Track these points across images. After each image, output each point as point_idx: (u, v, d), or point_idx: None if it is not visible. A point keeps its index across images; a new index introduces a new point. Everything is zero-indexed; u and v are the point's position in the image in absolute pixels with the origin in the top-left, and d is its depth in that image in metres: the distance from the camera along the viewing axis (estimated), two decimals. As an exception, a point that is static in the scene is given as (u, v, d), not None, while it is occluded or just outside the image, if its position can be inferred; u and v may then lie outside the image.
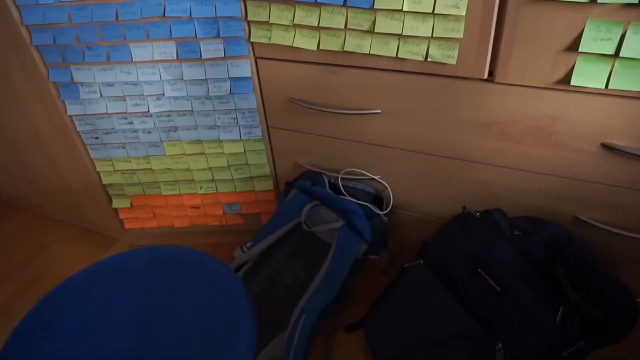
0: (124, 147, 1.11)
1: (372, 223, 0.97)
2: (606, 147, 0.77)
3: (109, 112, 1.04)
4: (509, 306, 0.80)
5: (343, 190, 1.01)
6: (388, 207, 1.02)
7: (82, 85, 1.01)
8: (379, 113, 0.91)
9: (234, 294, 0.64)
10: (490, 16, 0.72)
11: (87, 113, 1.05)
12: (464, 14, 0.73)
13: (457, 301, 0.84)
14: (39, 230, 1.49)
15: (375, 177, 1.01)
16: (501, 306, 0.80)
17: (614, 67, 0.69)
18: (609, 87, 0.70)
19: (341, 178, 1.03)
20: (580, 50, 0.69)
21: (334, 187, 1.04)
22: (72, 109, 1.05)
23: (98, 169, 1.16)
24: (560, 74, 0.73)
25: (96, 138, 1.10)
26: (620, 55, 0.67)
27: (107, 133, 1.08)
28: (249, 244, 1.04)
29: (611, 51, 0.68)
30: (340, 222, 0.98)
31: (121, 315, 0.64)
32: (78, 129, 1.09)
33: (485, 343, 0.80)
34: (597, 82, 0.71)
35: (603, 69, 0.70)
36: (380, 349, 0.95)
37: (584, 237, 0.86)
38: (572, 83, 0.72)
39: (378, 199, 1.04)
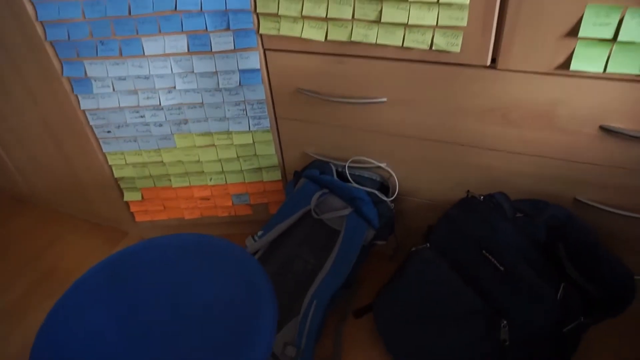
0: (135, 141, 1.14)
1: (379, 209, 1.00)
2: (604, 129, 0.80)
3: (121, 106, 1.07)
4: (512, 285, 0.83)
5: (350, 179, 1.04)
6: (394, 193, 1.05)
7: (95, 80, 1.04)
8: (384, 101, 0.94)
9: (256, 279, 0.67)
10: (493, 4, 0.75)
11: (100, 107, 1.08)
12: (468, 2, 0.76)
13: (463, 281, 0.87)
14: (48, 225, 1.51)
15: (381, 164, 1.04)
16: (505, 285, 0.83)
17: (612, 51, 0.72)
18: (607, 70, 0.73)
19: (348, 166, 1.06)
20: (579, 35, 0.72)
21: (341, 175, 1.07)
22: (85, 104, 1.08)
23: (110, 163, 1.19)
24: (560, 59, 0.76)
25: (108, 132, 1.13)
26: (619, 39, 0.70)
27: (119, 127, 1.11)
28: (259, 233, 1.07)
29: (609, 36, 0.71)
30: (348, 209, 1.01)
31: (148, 299, 0.67)
32: (91, 123, 1.11)
33: (490, 320, 0.83)
34: (596, 67, 0.74)
35: (602, 53, 0.73)
36: (389, 330, 0.98)
37: (583, 217, 0.89)
38: (571, 68, 0.75)
39: (384, 186, 1.07)
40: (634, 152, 0.80)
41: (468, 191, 0.93)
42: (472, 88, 0.85)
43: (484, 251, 0.86)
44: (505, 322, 0.82)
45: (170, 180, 1.21)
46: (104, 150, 1.17)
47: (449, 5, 0.78)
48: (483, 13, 0.77)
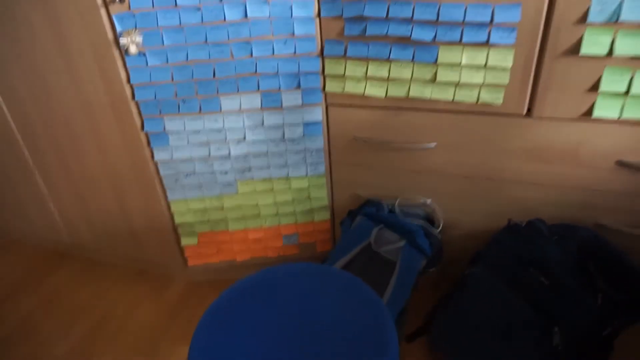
0: (199, 188, 1.25)
1: (430, 239, 1.14)
2: (620, 163, 0.99)
3: (192, 156, 1.19)
4: (559, 295, 0.97)
5: (401, 214, 1.19)
6: (439, 225, 1.19)
7: (171, 134, 1.16)
8: (434, 146, 1.11)
9: (384, 321, 0.74)
10: (530, 66, 0.95)
11: (173, 158, 1.19)
12: (510, 65, 0.95)
13: (515, 296, 1.01)
14: (92, 275, 1.56)
15: (426, 200, 1.19)
16: (552, 296, 0.97)
17: (626, 101, 0.92)
18: (622, 117, 0.93)
19: (398, 203, 1.21)
20: (600, 90, 0.92)
21: (391, 211, 1.21)
22: (159, 155, 1.19)
23: (172, 210, 1.28)
24: (584, 108, 0.95)
25: (176, 180, 1.23)
26: (630, 93, 0.90)
27: (187, 175, 1.22)
28: (323, 265, 1.18)
29: (623, 90, 0.91)
30: (402, 241, 1.14)
31: (280, 323, 0.73)
32: (161, 173, 1.22)
33: (543, 328, 0.97)
34: (613, 113, 0.94)
35: (617, 103, 0.93)
36: (448, 348, 1.09)
37: (607, 237, 1.06)
38: (594, 115, 0.95)
39: (429, 219, 1.22)
40: (646, 180, 0.99)
41: (509, 219, 1.09)
42: (511, 133, 1.03)
43: (531, 268, 1.01)
44: (556, 328, 0.96)
45: (227, 224, 1.31)
46: (169, 198, 1.27)
47: (495, 67, 0.97)
48: (522, 73, 0.96)
